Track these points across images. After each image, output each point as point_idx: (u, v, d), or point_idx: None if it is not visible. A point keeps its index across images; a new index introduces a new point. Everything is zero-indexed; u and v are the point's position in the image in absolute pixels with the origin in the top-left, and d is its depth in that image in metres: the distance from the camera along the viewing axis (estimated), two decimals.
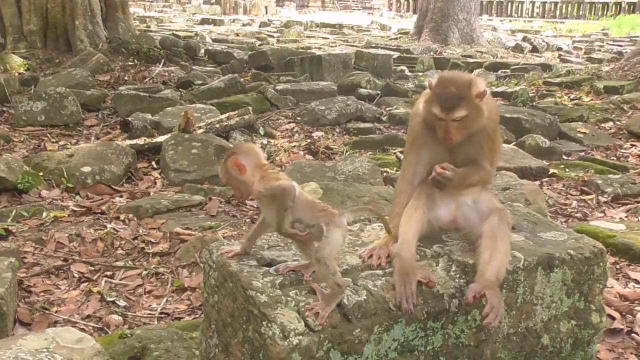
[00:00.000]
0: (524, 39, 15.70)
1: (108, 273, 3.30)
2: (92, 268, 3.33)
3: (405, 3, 27.89)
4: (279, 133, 6.19)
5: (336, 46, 13.51)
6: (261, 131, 5.99)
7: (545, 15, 24.48)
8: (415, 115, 2.12)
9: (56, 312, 2.91)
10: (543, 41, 15.61)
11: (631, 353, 2.52)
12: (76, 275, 3.25)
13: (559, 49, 15.02)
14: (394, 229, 2.05)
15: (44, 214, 3.89)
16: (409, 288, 1.84)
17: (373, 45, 13.80)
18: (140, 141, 5.21)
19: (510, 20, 23.24)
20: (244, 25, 19.53)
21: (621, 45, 15.02)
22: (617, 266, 3.31)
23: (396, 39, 16.10)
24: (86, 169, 4.55)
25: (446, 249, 2.07)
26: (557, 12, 24.58)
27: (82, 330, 2.54)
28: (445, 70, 2.15)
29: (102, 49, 9.14)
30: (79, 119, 6.13)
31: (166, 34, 12.24)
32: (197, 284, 3.12)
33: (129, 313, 2.94)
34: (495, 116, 2.09)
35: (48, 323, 2.79)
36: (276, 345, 1.68)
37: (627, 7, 22.95)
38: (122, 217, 3.90)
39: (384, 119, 6.79)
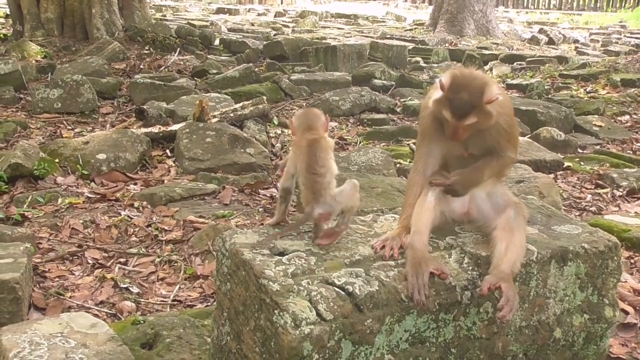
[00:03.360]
0: (540, 31, 15.45)
1: (122, 260, 3.33)
2: (105, 254, 3.37)
3: None
4: None
5: (351, 37, 13.40)
6: (275, 121, 5.99)
7: (562, 7, 24.09)
8: (426, 108, 2.10)
9: (70, 297, 2.95)
10: (559, 33, 15.36)
11: None
12: (90, 261, 3.29)
13: (576, 41, 14.78)
14: (407, 220, 2.05)
15: (59, 201, 3.94)
16: (421, 279, 1.83)
17: (388, 36, 13.68)
18: (155, 129, 5.24)
19: (527, 12, 22.92)
20: (259, 15, 19.47)
21: (639, 38, 14.74)
22: (632, 261, 3.28)
23: (411, 30, 15.95)
24: (101, 156, 4.58)
25: (459, 241, 2.07)
26: (574, 4, 24.19)
27: (96, 316, 2.57)
28: (458, 67, 2.12)
29: (118, 38, 9.17)
30: (94, 106, 6.17)
31: (182, 23, 12.22)
32: (209, 272, 3.14)
33: (142, 300, 2.97)
34: (508, 110, 2.05)
35: (62, 308, 2.83)
36: (288, 334, 1.68)
37: None
38: (136, 204, 3.94)
39: (398, 110, 6.76)
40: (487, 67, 9.69)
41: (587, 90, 7.98)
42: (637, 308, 2.78)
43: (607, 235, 2.18)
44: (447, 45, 12.51)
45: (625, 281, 3.02)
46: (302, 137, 2.08)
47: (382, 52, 9.67)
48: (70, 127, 5.70)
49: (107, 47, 8.40)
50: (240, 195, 4.18)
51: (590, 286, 2.11)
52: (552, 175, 4.60)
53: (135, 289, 3.05)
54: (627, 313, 2.73)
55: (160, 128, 5.28)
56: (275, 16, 19.04)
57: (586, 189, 4.55)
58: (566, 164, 4.98)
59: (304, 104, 6.83)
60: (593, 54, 12.18)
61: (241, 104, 5.86)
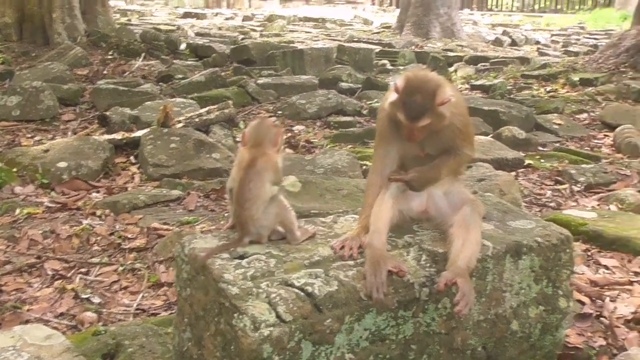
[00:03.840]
0: (504, 33, 15.78)
1: (83, 270, 3.26)
2: (66, 265, 3.29)
3: None
4: None
5: (319, 40, 13.46)
6: (241, 125, 5.96)
7: (525, 9, 24.70)
8: (382, 110, 2.13)
9: (28, 310, 2.85)
10: (522, 35, 15.72)
11: (599, 336, 2.57)
12: (50, 272, 3.20)
13: (537, 42, 15.14)
14: (366, 219, 2.07)
15: (17, 211, 3.83)
16: (379, 278, 1.85)
17: (355, 39, 13.78)
18: (118, 136, 5.16)
19: (491, 15, 23.39)
20: (227, 19, 19.37)
21: (597, 39, 15.17)
22: (588, 253, 3.36)
23: (378, 33, 16.08)
24: (62, 164, 4.48)
25: (417, 239, 2.09)
26: (536, 6, 24.82)
27: (55, 328, 2.50)
28: (413, 70, 2.15)
29: (81, 43, 9.01)
30: (55, 113, 6.03)
31: (147, 28, 12.08)
32: (173, 279, 3.10)
33: (104, 310, 2.91)
34: (462, 110, 2.09)
35: (19, 322, 2.73)
36: (247, 336, 1.68)
37: (603, 1, 23.26)
38: (98, 212, 3.86)
39: (365, 112, 6.80)
40: (452, 69, 9.84)
41: (548, 89, 8.18)
42: (594, 298, 2.85)
43: (559, 229, 2.23)
44: (413, 47, 12.65)
45: (583, 273, 3.09)
46: (248, 151, 2.06)
47: (349, 56, 9.72)
48: (29, 135, 5.56)
49: (69, 52, 8.24)
50: (206, 201, 4.14)
51: (544, 278, 2.16)
52: (513, 173, 4.69)
53: (96, 299, 2.98)
54: (583, 304, 2.80)
55: (123, 134, 5.20)
56: (243, 20, 18.98)
57: (546, 185, 4.66)
58: (527, 161, 5.08)
59: (271, 108, 6.82)
60: (554, 55, 12.49)
61: (207, 108, 5.81)
